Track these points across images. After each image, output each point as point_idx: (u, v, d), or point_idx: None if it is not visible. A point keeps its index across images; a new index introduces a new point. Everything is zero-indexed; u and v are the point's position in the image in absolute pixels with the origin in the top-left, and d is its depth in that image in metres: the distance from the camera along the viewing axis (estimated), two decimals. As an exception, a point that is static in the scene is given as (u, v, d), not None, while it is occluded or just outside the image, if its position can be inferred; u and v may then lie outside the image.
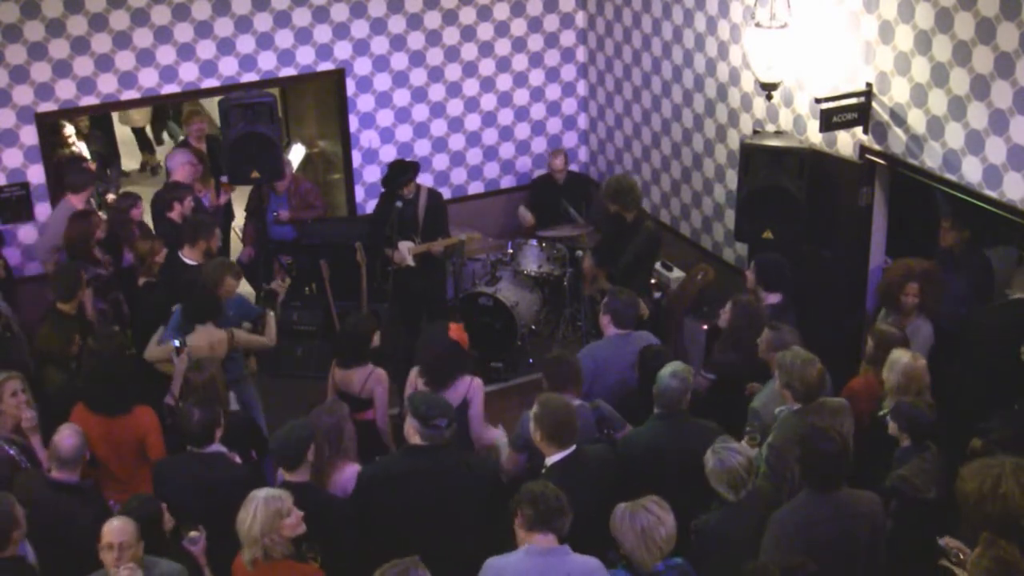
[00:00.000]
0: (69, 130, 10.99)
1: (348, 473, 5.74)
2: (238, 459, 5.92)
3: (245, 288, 9.00)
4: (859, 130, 7.58)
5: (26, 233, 9.31)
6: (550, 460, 5.43)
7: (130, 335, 7.81)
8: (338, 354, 6.82)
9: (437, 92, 10.28)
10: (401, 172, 8.76)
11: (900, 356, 5.92)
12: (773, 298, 7.03)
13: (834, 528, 5.02)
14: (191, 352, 6.90)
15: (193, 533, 5.28)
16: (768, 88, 7.78)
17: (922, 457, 5.51)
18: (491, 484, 5.57)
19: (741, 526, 5.11)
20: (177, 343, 6.99)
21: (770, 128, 8.41)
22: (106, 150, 12.34)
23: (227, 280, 7.38)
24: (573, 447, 5.44)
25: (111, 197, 10.43)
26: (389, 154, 10.18)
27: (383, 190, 8.93)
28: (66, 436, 5.61)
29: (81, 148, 11.09)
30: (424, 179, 10.13)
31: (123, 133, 13.45)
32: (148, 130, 13.91)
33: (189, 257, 7.96)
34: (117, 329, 7.74)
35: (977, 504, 4.71)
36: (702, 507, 5.26)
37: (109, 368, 6.41)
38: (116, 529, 4.85)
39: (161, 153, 13.54)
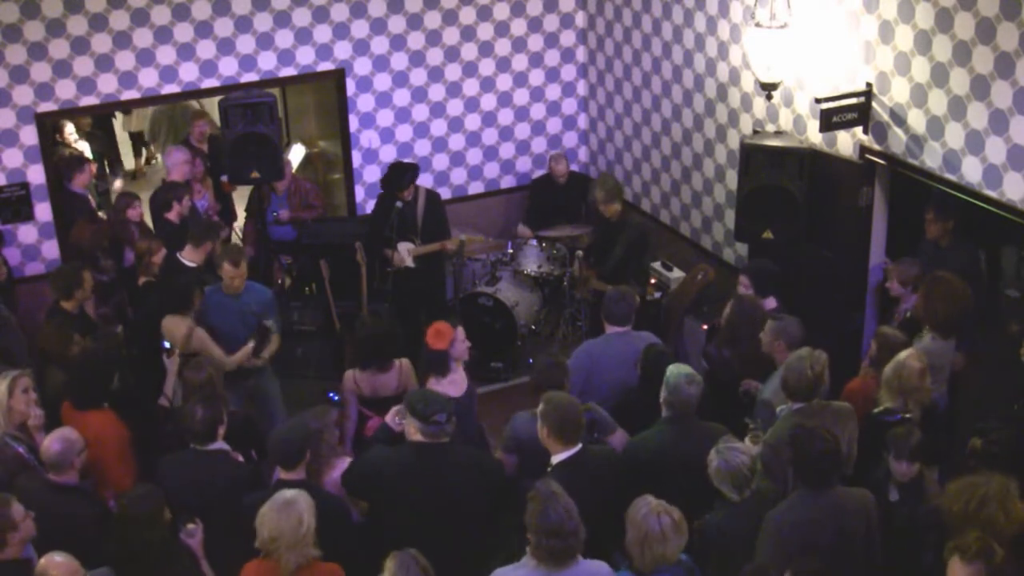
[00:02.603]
0: (70, 128, 10.99)
1: (341, 467, 5.76)
2: (240, 458, 5.93)
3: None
4: (859, 130, 7.58)
5: (26, 233, 9.30)
6: (556, 459, 5.42)
7: (121, 335, 7.76)
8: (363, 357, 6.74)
9: (437, 92, 10.28)
10: (400, 175, 8.75)
11: (901, 353, 5.92)
12: (770, 303, 7.03)
13: (829, 526, 5.03)
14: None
15: (190, 525, 5.30)
16: (768, 88, 7.77)
17: (926, 479, 5.49)
18: (498, 479, 5.57)
19: (744, 526, 5.11)
20: (167, 345, 6.98)
21: (770, 128, 8.40)
22: (107, 150, 12.35)
23: (223, 265, 7.34)
24: (579, 446, 5.44)
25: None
26: (389, 154, 10.18)
27: (381, 191, 8.93)
28: (52, 442, 5.61)
29: (83, 147, 11.10)
30: (424, 179, 10.13)
31: (123, 133, 13.46)
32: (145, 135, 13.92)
33: (190, 258, 7.90)
34: (120, 330, 7.72)
35: (960, 523, 4.70)
36: (708, 509, 5.26)
37: (84, 362, 6.40)
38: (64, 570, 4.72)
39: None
